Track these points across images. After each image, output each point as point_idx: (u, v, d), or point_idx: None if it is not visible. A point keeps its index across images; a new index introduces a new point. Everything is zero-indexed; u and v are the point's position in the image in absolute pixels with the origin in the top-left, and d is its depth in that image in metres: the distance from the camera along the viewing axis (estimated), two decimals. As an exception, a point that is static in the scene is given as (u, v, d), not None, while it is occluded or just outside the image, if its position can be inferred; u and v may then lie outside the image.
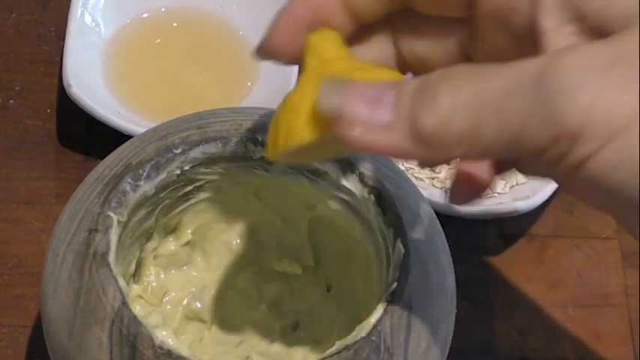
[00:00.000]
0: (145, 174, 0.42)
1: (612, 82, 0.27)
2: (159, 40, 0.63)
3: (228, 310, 0.49)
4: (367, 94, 0.30)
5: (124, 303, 0.38)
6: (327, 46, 0.34)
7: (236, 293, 0.49)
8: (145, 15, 0.63)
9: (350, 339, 0.38)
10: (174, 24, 0.63)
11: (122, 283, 0.39)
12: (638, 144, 0.27)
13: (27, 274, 0.55)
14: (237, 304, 0.49)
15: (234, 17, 0.63)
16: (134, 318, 0.38)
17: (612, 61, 0.27)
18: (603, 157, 0.27)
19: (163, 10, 0.63)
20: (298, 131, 0.33)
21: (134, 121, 0.56)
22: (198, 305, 0.49)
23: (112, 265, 0.39)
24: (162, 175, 0.43)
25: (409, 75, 0.36)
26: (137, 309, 0.45)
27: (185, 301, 0.49)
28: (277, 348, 0.48)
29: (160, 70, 0.62)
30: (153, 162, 0.42)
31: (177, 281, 0.49)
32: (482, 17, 0.33)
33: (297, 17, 0.35)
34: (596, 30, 0.30)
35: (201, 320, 0.49)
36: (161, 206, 0.45)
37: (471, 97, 0.28)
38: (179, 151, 0.43)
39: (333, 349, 0.38)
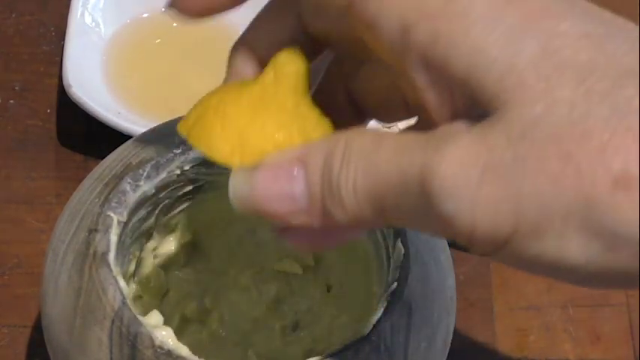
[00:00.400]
0: (145, 174, 0.42)
1: (486, 201, 0.27)
2: (159, 40, 0.63)
3: (228, 310, 0.49)
4: (276, 189, 0.30)
5: (124, 303, 0.38)
6: (291, 70, 0.33)
7: (236, 293, 0.49)
8: (145, 15, 0.63)
9: (350, 339, 0.38)
10: (174, 24, 0.63)
11: (122, 283, 0.39)
12: (523, 253, 0.27)
13: (27, 274, 0.55)
14: (238, 303, 0.49)
15: (234, 17, 0.63)
16: (134, 318, 0.38)
17: (483, 170, 0.27)
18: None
19: (163, 10, 0.63)
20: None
21: (134, 121, 0.56)
22: (198, 305, 0.49)
23: (112, 265, 0.39)
24: (162, 175, 0.43)
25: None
26: (137, 309, 0.45)
27: (185, 301, 0.49)
28: (277, 348, 0.48)
29: (159, 70, 0.62)
30: (153, 162, 0.42)
31: (177, 281, 0.49)
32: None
33: None
34: (467, 98, 0.28)
35: (201, 320, 0.48)
36: (161, 206, 0.45)
37: (370, 194, 0.29)
38: (179, 151, 0.43)
39: (333, 349, 0.38)
